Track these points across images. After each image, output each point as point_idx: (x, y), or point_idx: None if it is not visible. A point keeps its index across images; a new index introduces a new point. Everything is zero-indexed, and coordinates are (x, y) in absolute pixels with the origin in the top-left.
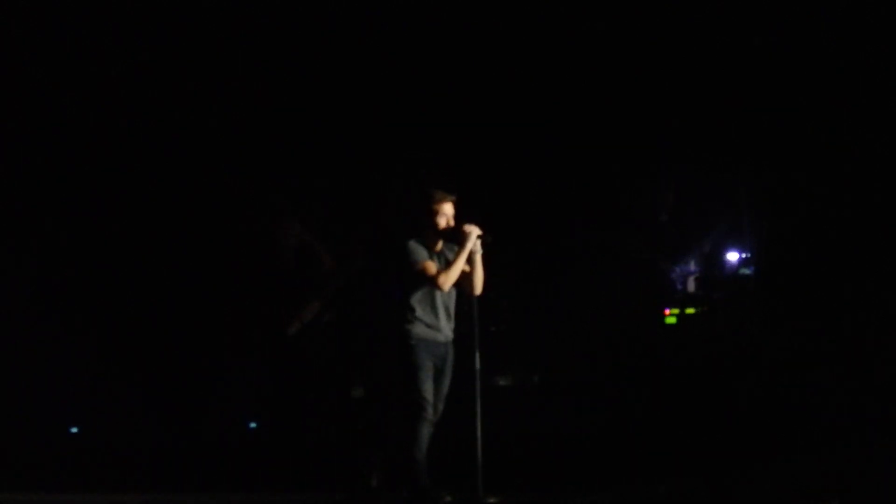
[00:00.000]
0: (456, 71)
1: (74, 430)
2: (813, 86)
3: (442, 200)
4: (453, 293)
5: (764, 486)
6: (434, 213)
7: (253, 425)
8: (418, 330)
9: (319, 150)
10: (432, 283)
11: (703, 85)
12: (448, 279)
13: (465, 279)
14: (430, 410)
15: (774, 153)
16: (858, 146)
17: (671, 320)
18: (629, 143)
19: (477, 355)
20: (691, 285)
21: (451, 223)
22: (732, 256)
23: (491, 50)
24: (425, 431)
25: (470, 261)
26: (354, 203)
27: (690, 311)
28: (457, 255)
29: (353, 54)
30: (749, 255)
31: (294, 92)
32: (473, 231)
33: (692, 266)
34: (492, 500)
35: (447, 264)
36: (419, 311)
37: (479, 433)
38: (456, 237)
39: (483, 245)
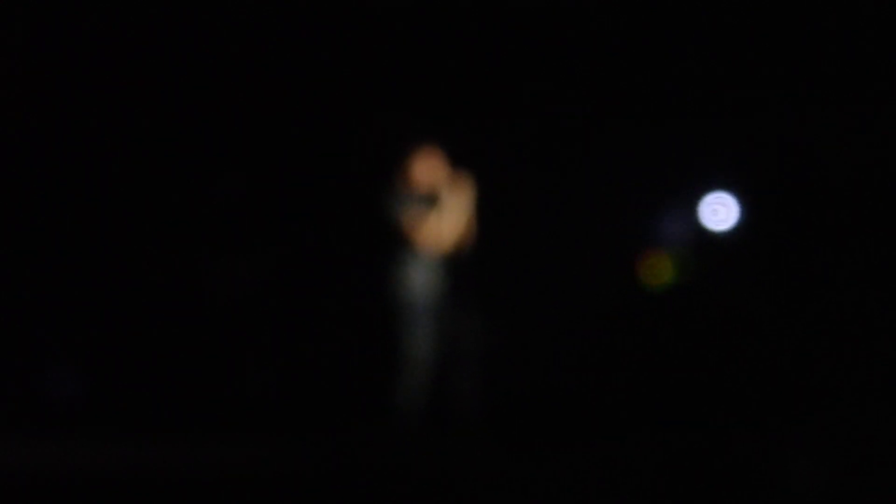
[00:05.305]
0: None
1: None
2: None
3: (420, 150)
4: (452, 249)
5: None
6: (412, 164)
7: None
8: (407, 288)
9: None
10: (411, 239)
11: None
12: (425, 234)
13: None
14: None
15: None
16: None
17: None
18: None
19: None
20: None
21: (433, 173)
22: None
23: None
24: (414, 382)
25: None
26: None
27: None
28: (433, 208)
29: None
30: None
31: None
32: (451, 181)
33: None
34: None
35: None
36: (405, 270)
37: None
38: (437, 188)
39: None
